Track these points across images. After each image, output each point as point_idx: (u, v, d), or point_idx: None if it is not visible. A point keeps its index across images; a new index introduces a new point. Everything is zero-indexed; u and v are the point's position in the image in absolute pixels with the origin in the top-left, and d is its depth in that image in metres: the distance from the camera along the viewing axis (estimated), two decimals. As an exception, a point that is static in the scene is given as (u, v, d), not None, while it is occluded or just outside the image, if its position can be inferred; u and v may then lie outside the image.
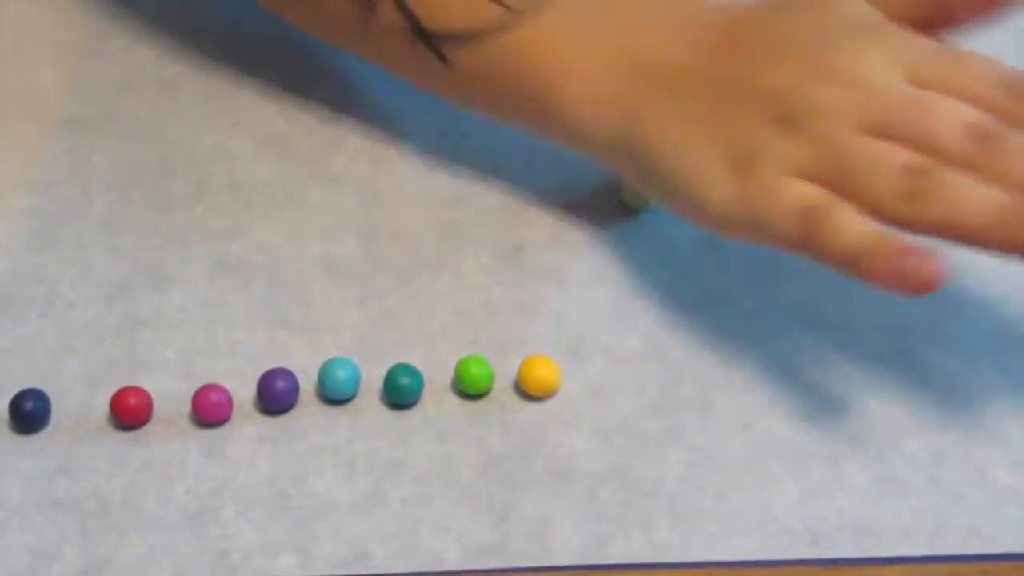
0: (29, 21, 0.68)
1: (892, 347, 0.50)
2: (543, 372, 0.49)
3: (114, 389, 0.49)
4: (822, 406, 0.49)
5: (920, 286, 0.43)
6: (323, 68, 0.64)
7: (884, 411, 0.48)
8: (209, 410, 0.48)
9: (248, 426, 0.49)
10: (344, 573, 0.45)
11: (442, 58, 0.52)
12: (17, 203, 0.57)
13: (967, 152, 0.44)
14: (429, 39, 0.52)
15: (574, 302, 0.53)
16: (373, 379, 0.50)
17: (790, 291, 0.53)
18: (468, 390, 0.49)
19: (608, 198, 0.57)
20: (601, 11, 0.52)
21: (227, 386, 0.50)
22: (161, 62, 0.65)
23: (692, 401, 0.49)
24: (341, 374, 0.49)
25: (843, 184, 0.45)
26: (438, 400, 0.50)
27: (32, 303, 0.53)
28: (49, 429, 0.49)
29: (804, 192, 0.45)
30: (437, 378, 0.50)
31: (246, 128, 0.61)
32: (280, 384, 0.48)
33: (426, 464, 0.47)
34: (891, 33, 0.48)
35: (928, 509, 0.45)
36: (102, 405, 0.49)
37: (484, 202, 0.57)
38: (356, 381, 0.49)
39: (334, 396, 0.49)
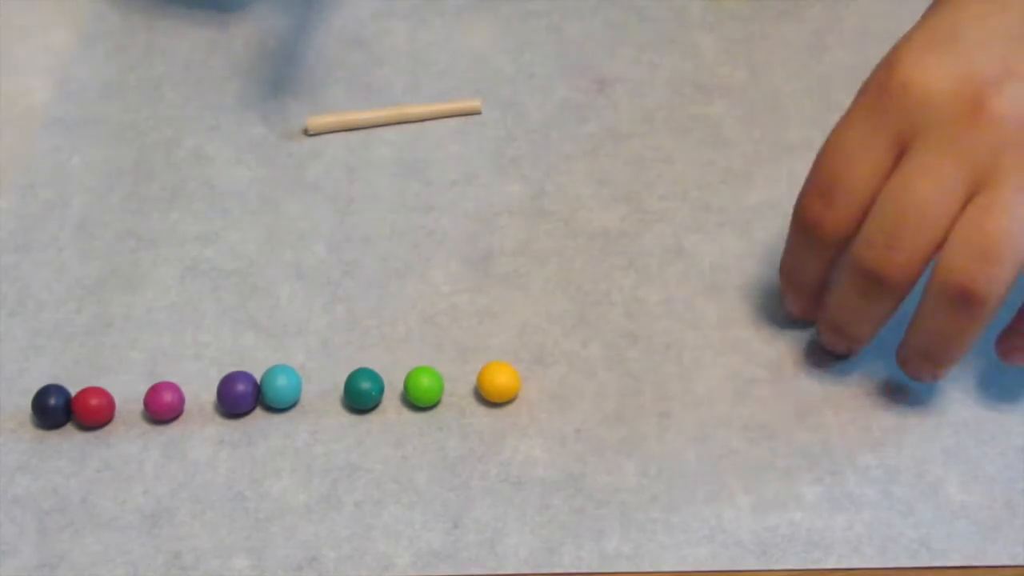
0: (19, 25, 0.69)
1: (850, 363, 0.50)
2: (502, 379, 0.49)
3: (79, 389, 0.50)
4: (778, 419, 0.49)
5: None
6: (303, 75, 0.65)
7: (840, 426, 0.48)
8: (160, 408, 0.49)
9: (209, 428, 0.49)
10: (295, 576, 0.45)
11: None
12: (-5, 204, 0.58)
13: None
14: None
15: (538, 310, 0.53)
16: (335, 383, 0.51)
17: (750, 304, 0.53)
18: (417, 402, 0.49)
19: (577, 209, 0.57)
20: None
21: (190, 387, 0.50)
22: (148, 64, 0.66)
23: (649, 411, 0.49)
24: (282, 381, 0.49)
25: None
26: (398, 405, 0.50)
27: (3, 302, 0.54)
28: (12, 426, 0.49)
29: None
30: (399, 383, 0.50)
31: (225, 133, 0.62)
32: (239, 387, 0.49)
33: (382, 468, 0.48)
34: None
35: (879, 523, 0.45)
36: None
37: (455, 210, 0.57)
38: (298, 389, 0.50)
39: (275, 404, 0.49)
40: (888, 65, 0.46)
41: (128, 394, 0.50)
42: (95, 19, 0.69)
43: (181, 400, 0.49)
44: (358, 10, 0.68)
